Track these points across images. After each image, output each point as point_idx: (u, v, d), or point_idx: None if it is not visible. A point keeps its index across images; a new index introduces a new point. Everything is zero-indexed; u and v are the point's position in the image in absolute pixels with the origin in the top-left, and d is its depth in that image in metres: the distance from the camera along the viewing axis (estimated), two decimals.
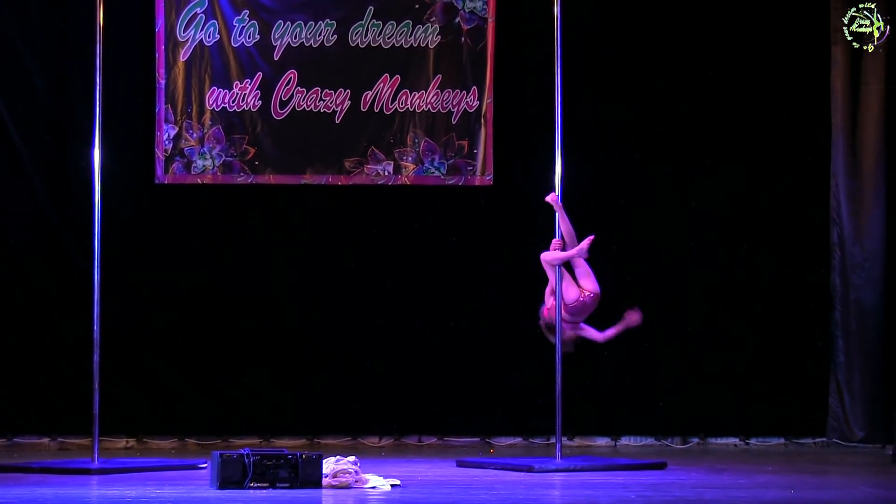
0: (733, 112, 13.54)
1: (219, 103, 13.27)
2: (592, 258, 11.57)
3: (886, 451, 12.59)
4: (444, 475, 11.11)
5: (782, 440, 13.52)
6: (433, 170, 13.37)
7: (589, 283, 11.41)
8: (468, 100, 13.34)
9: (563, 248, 11.44)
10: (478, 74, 13.33)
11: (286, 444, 13.03)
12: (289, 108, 13.32)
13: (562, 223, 11.46)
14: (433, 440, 13.52)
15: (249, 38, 13.28)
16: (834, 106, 13.32)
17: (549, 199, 11.47)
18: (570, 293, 11.42)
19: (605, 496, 9.71)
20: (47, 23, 13.28)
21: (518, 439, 13.51)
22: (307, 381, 13.41)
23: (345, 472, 10.09)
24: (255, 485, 9.80)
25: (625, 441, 13.55)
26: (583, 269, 11.42)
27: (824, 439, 13.39)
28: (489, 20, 13.32)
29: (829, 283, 13.40)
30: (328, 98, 13.33)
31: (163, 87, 13.24)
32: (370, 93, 13.33)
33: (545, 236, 11.58)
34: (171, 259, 13.38)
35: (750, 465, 11.87)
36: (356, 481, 10.10)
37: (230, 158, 13.31)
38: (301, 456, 9.92)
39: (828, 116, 13.36)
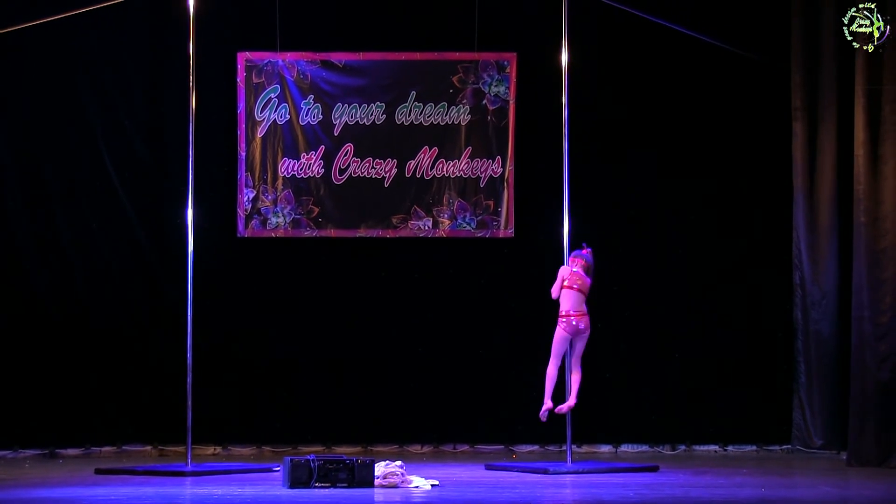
0: (713, 177, 13.45)
1: (289, 171, 13.28)
2: (599, 295, 11.70)
3: (841, 456, 12.50)
4: (475, 476, 11.15)
5: (754, 447, 13.39)
6: (465, 225, 13.35)
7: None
8: (493, 167, 13.30)
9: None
10: (501, 146, 13.31)
11: (345, 451, 12.94)
12: (346, 175, 13.33)
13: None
14: (465, 447, 13.45)
15: (314, 117, 13.29)
16: (795, 171, 13.09)
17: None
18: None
19: (607, 494, 9.77)
20: (149, 105, 13.33)
21: (536, 447, 13.40)
22: (362, 399, 13.35)
23: (393, 473, 10.19)
24: (319, 485, 9.88)
25: (624, 448, 13.42)
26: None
27: (789, 446, 13.24)
28: (510, 102, 13.31)
29: (792, 317, 13.22)
30: (378, 166, 13.32)
31: (243, 158, 13.28)
32: (413, 162, 13.34)
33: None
34: (252, 297, 13.35)
35: (728, 468, 11.82)
36: (402, 482, 10.18)
37: (298, 216, 13.32)
38: (357, 461, 9.99)
39: (790, 180, 13.14)
